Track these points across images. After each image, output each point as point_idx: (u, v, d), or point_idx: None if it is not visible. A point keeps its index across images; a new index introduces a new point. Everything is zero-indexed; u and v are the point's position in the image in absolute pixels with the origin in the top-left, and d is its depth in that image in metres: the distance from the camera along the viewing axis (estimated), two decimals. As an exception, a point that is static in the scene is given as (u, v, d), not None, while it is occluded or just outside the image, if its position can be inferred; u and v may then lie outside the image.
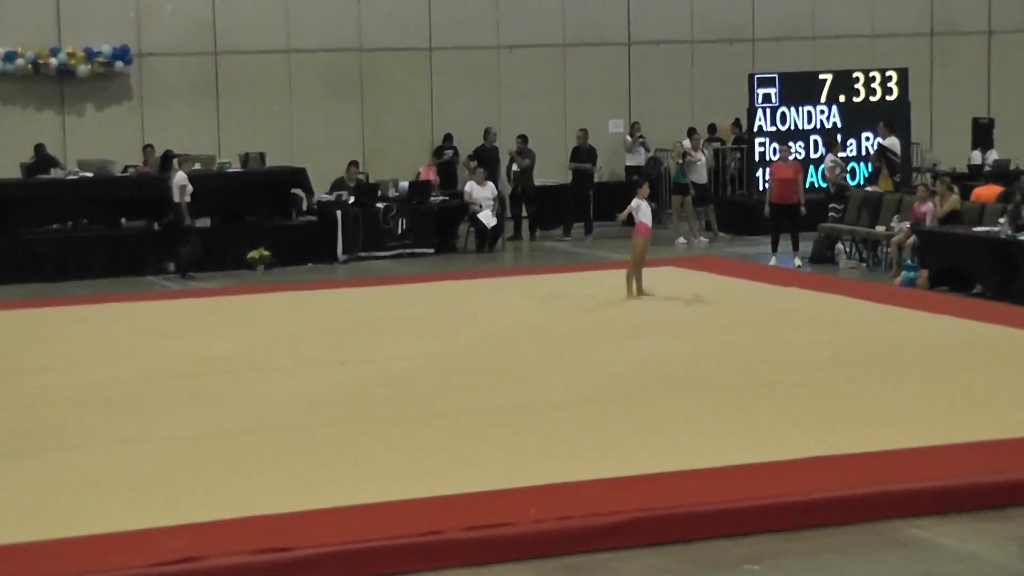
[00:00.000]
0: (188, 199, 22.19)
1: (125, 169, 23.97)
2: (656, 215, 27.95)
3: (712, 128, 28.57)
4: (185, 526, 9.18)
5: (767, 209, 22.30)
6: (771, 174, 22.80)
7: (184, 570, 8.53)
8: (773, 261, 22.06)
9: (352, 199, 24.05)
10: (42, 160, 24.28)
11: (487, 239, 24.58)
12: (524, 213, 26.42)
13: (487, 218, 24.34)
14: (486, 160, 26.11)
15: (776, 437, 11.22)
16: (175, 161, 23.17)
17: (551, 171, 27.05)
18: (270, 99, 27.06)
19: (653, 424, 11.82)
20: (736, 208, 26.65)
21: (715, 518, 9.35)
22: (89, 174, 23.38)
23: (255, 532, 9.03)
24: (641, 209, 18.40)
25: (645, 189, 18.60)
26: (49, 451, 11.36)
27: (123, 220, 23.46)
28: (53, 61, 25.59)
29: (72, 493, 10.11)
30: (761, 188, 25.31)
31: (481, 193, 24.54)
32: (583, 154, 26.76)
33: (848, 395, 12.71)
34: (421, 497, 9.72)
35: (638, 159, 27.82)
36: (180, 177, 22.23)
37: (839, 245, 22.52)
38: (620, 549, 9.06)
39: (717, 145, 28.24)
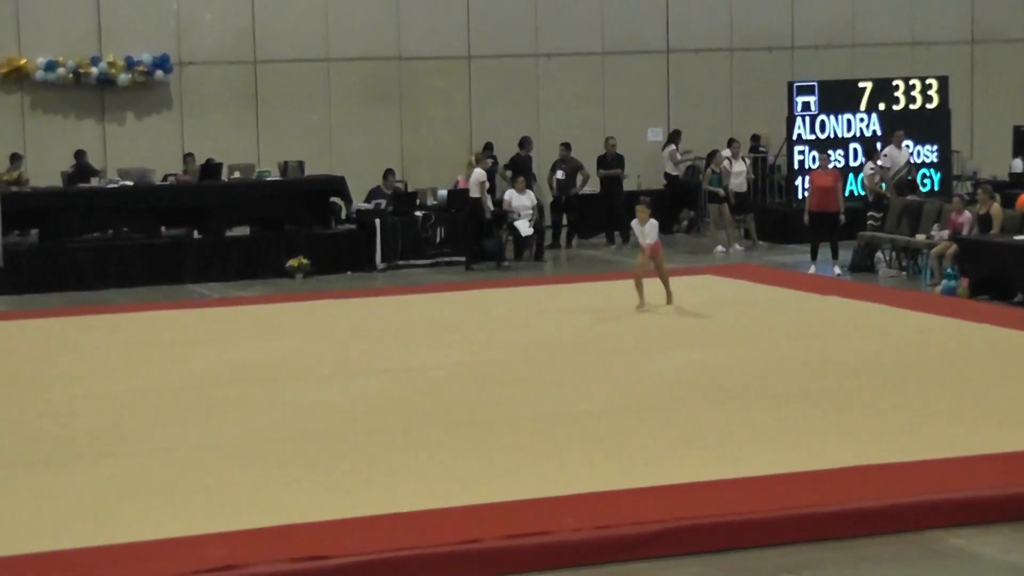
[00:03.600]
0: (487, 194, 23.67)
1: (165, 178, 24.10)
2: (694, 223, 28.09)
3: (755, 138, 28.47)
4: (225, 534, 9.21)
5: (806, 217, 22.26)
6: (810, 182, 22.76)
7: (224, 578, 8.57)
8: (812, 269, 21.99)
9: (390, 207, 24.11)
10: (82, 168, 24.40)
11: (524, 248, 24.57)
12: (564, 222, 26.43)
13: (523, 227, 24.33)
14: (521, 169, 26.08)
15: (815, 446, 11.18)
16: (473, 158, 24.42)
17: (590, 180, 26.99)
18: (309, 108, 27.12)
19: (691, 433, 11.80)
20: (775, 216, 26.58)
21: (754, 527, 9.33)
22: (129, 183, 23.50)
23: (295, 540, 9.05)
24: (636, 230, 18.41)
25: (643, 212, 18.11)
26: (90, 459, 11.42)
27: (163, 228, 23.57)
28: (94, 70, 25.72)
29: (113, 501, 10.15)
30: (800, 196, 25.27)
31: (520, 201, 24.50)
32: (610, 161, 26.74)
33: (888, 404, 12.65)
34: (459, 505, 9.73)
35: (679, 169, 27.84)
36: (478, 173, 23.72)
37: (879, 253, 22.44)
38: (658, 558, 9.05)
39: (763, 151, 28.13)
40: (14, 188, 22.82)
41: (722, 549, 9.15)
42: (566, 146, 26.36)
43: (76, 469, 11.11)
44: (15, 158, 24.37)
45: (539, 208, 25.06)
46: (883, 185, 23.95)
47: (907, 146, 25.61)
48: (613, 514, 9.42)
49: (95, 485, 10.59)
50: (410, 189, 25.39)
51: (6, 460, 11.44)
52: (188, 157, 25.00)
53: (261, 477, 10.72)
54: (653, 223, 18.13)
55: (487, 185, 23.88)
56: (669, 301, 18.22)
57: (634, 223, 18.50)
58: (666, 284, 18.28)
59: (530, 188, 25.17)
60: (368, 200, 24.61)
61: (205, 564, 8.64)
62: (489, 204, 24.00)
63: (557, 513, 9.46)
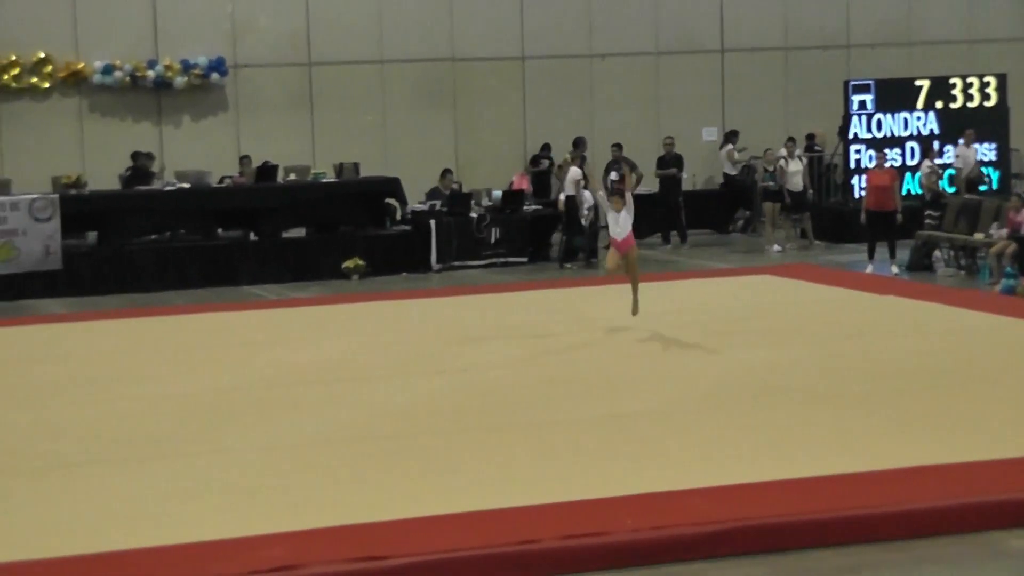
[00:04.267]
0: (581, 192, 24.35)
1: (221, 180, 24.22)
2: (749, 223, 27.99)
3: (810, 137, 28.33)
4: (283, 534, 9.23)
5: (863, 216, 22.14)
6: (867, 181, 22.65)
7: (282, 578, 8.60)
8: (870, 269, 21.86)
9: (445, 208, 24.15)
10: (139, 170, 24.56)
11: (580, 248, 24.51)
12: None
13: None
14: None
15: (874, 447, 11.10)
16: (567, 157, 24.94)
17: (644, 179, 26.94)
18: (364, 109, 27.21)
19: (748, 433, 11.74)
20: (832, 215, 26.45)
21: (813, 528, 9.28)
22: (186, 185, 23.64)
23: (353, 540, 9.07)
24: (608, 217, 16.02)
25: (617, 202, 15.83)
26: (148, 460, 11.48)
27: (219, 230, 23.70)
28: (150, 73, 25.91)
29: (171, 501, 10.20)
30: (857, 195, 25.14)
31: (575, 202, 24.47)
32: (668, 162, 26.70)
33: (947, 404, 12.56)
34: (517, 506, 9.72)
35: (736, 168, 27.76)
36: (575, 172, 24.26)
37: (937, 253, 22.30)
38: (717, 559, 9.02)
39: (818, 150, 28.01)
40: (72, 191, 22.98)
41: (781, 550, 9.10)
42: (618, 147, 26.32)
43: (135, 470, 11.17)
44: (151, 156, 24.70)
45: (594, 208, 25.01)
46: (940, 184, 23.79)
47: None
48: (671, 514, 9.39)
49: (154, 486, 10.65)
50: (465, 190, 25.43)
51: (67, 461, 11.53)
52: (244, 159, 25.12)
53: (319, 478, 10.75)
54: (628, 211, 15.83)
55: (583, 183, 23.98)
56: (635, 311, 16.33)
57: (607, 208, 16.08)
58: (636, 290, 16.36)
59: (585, 188, 25.13)
60: (426, 200, 24.66)
61: (263, 564, 8.66)
62: (586, 202, 24.07)
63: (615, 513, 9.44)
